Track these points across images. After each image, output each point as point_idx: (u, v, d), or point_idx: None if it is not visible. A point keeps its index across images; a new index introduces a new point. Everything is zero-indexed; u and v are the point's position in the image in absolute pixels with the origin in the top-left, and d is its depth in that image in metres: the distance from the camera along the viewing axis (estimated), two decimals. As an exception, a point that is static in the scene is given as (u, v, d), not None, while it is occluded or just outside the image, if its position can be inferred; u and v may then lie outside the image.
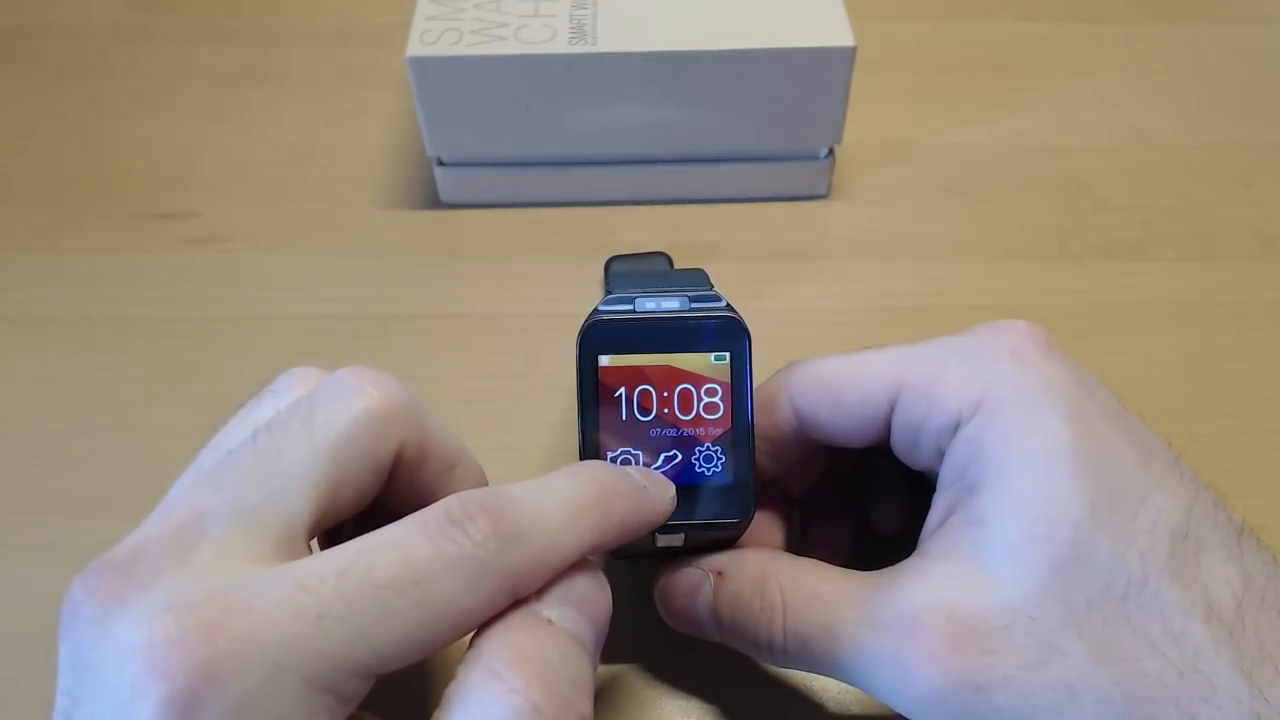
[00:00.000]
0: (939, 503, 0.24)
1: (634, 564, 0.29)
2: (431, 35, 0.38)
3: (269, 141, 0.46)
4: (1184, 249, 0.41)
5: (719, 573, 0.25)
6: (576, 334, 0.25)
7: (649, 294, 0.25)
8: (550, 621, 0.20)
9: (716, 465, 0.25)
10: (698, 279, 0.27)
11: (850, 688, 0.25)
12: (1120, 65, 0.50)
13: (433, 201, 0.43)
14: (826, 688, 0.29)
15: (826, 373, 0.26)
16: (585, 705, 0.19)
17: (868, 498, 0.31)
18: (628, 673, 0.29)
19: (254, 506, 0.20)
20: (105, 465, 0.34)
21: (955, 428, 0.24)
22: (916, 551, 0.24)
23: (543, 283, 0.40)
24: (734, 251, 0.41)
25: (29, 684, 0.29)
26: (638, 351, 0.25)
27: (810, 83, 0.39)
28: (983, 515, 0.23)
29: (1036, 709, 0.21)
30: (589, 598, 0.21)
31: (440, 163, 0.42)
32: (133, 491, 0.34)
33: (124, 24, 0.52)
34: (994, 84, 0.49)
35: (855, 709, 0.28)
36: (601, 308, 0.25)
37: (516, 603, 0.20)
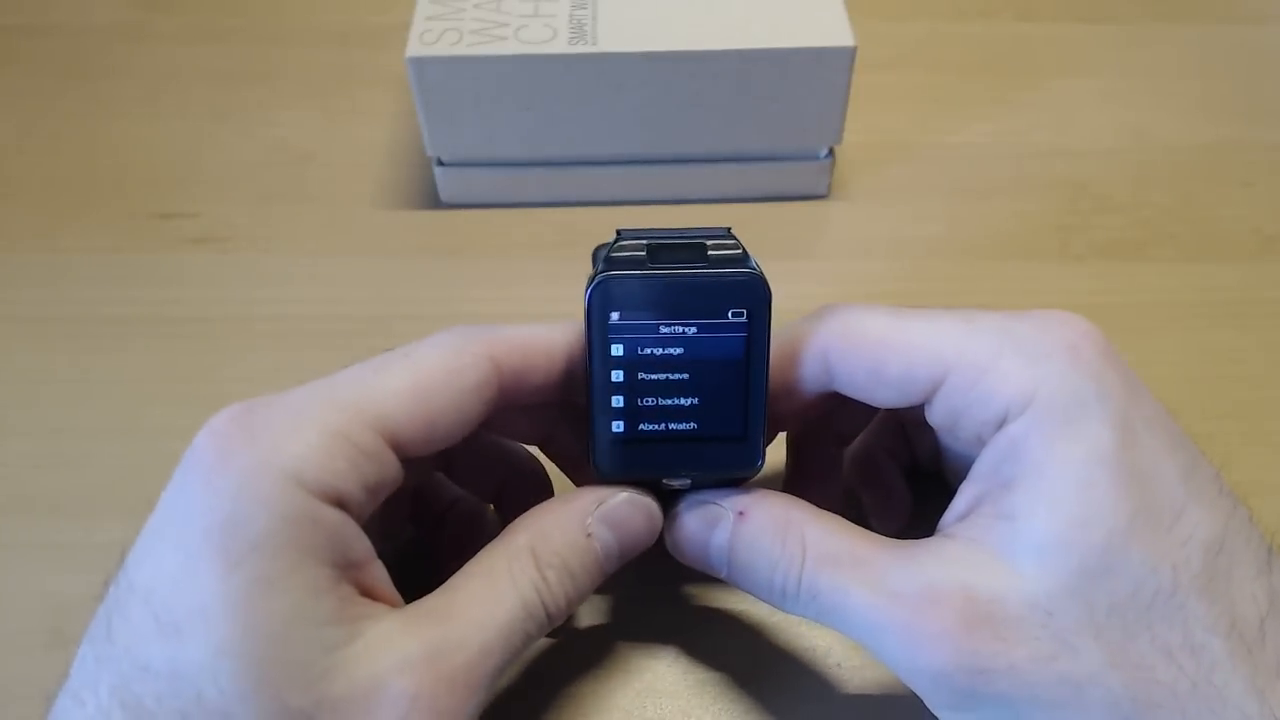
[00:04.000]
0: (966, 492, 0.24)
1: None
2: (431, 35, 0.38)
3: (269, 141, 0.46)
4: (1184, 249, 0.41)
5: (741, 512, 0.25)
6: (584, 289, 0.24)
7: (661, 240, 0.24)
8: (590, 535, 0.24)
9: (728, 420, 0.24)
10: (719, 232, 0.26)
11: (849, 685, 0.25)
12: (1120, 65, 0.50)
13: (433, 201, 0.43)
14: (827, 690, 0.29)
15: (870, 334, 0.25)
16: (573, 610, 0.24)
17: (867, 498, 0.31)
18: (629, 649, 0.29)
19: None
20: (105, 465, 0.34)
21: (1001, 422, 0.23)
22: (938, 534, 0.24)
23: (543, 283, 0.40)
24: (734, 251, 0.41)
25: (29, 684, 0.29)
26: (649, 308, 0.24)
27: (810, 83, 0.39)
28: (1015, 511, 0.22)
29: (1039, 700, 0.21)
30: (632, 527, 0.25)
31: (440, 163, 0.42)
32: (133, 491, 0.34)
33: (124, 24, 0.52)
34: (994, 84, 0.49)
35: (853, 708, 0.28)
36: (614, 256, 0.24)
37: (577, 500, 0.24)
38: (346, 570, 0.22)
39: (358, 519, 0.22)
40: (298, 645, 0.20)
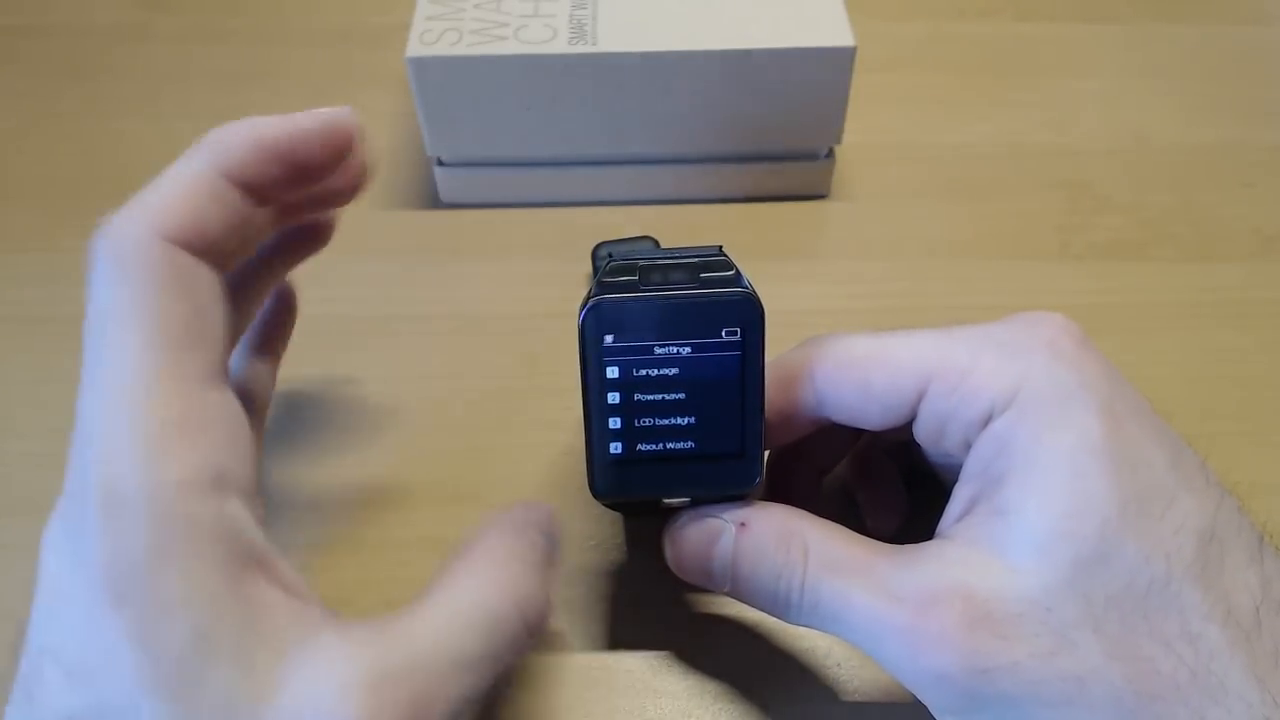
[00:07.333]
0: (961, 493, 0.24)
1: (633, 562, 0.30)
2: (431, 35, 0.38)
3: (269, 141, 0.46)
4: (1184, 249, 0.41)
5: (742, 524, 0.25)
6: (578, 312, 0.24)
7: (654, 261, 0.24)
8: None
9: (725, 437, 0.25)
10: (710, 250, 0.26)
11: (849, 686, 0.25)
12: (1120, 65, 0.50)
13: (433, 201, 0.43)
14: (827, 691, 0.29)
15: (855, 355, 0.25)
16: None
17: (864, 496, 0.31)
18: (631, 660, 0.29)
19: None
20: (105, 465, 0.34)
21: (986, 420, 0.23)
22: (937, 537, 0.24)
23: (543, 283, 0.40)
24: (734, 251, 0.41)
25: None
26: (643, 329, 0.24)
27: (810, 83, 0.39)
28: (1009, 507, 0.23)
29: (1042, 698, 0.21)
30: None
31: (440, 163, 0.42)
32: (133, 491, 0.34)
33: (124, 24, 0.52)
34: (994, 84, 0.49)
35: (852, 709, 0.28)
36: (606, 280, 0.24)
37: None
38: (249, 567, 0.20)
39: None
40: (212, 671, 0.19)
